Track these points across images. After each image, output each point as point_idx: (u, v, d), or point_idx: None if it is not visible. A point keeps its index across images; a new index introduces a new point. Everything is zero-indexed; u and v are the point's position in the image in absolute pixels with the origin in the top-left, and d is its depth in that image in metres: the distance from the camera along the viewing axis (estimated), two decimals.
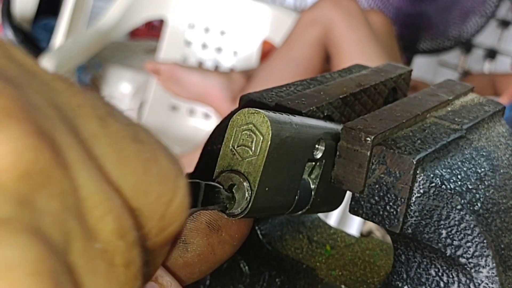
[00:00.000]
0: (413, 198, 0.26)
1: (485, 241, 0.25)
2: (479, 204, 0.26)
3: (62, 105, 0.16)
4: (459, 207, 0.25)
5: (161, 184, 0.18)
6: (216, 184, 0.23)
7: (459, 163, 0.27)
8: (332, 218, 1.34)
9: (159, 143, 0.19)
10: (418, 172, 0.25)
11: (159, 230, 0.18)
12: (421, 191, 0.26)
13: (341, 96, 0.30)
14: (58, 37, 1.90)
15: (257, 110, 0.23)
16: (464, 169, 0.27)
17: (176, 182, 0.19)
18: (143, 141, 0.18)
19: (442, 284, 0.26)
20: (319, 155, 0.26)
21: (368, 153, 0.25)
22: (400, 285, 0.27)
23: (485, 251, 0.25)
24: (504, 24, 2.42)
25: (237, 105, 0.29)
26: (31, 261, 0.14)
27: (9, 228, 0.14)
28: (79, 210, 0.16)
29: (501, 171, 0.29)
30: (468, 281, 0.26)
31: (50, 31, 2.08)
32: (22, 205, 0.14)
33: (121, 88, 2.03)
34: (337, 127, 0.27)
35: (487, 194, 0.27)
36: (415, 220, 0.26)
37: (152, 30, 2.67)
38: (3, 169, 0.14)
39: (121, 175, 0.17)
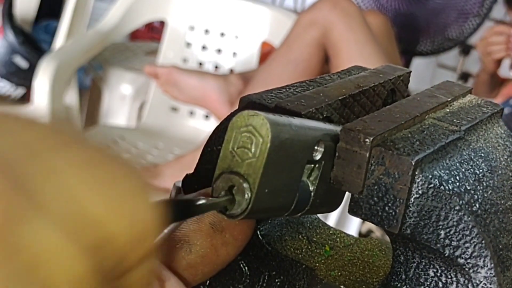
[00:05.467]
0: (412, 199, 0.26)
1: (483, 241, 0.26)
2: (477, 205, 0.26)
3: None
4: (457, 208, 0.26)
5: (123, 205, 0.17)
6: (191, 198, 0.22)
7: (457, 164, 0.27)
8: (331, 218, 1.34)
9: (118, 162, 0.18)
10: (416, 173, 0.26)
11: (130, 250, 0.18)
12: (420, 192, 0.26)
13: (340, 98, 0.31)
14: (59, 39, 1.90)
15: (256, 112, 0.23)
16: (463, 170, 0.27)
17: (137, 200, 0.18)
18: (100, 164, 0.17)
19: (440, 285, 0.27)
20: (318, 156, 0.26)
21: (367, 154, 0.26)
22: (399, 285, 0.28)
23: (483, 252, 0.26)
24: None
25: (234, 108, 0.29)
26: None
27: None
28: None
29: (499, 172, 0.29)
30: (466, 282, 0.26)
31: (51, 33, 2.08)
32: None
33: (122, 89, 2.03)
34: (336, 128, 0.27)
35: (485, 195, 0.27)
36: (413, 221, 0.26)
37: (153, 31, 2.68)
38: None
39: (94, 211, 0.17)
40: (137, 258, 0.18)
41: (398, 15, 2.31)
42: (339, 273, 0.30)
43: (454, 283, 0.26)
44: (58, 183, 0.16)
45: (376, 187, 0.26)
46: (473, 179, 0.27)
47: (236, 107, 0.29)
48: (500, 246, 0.26)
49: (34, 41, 1.99)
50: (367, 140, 0.26)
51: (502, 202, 0.28)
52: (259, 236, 0.31)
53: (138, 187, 0.18)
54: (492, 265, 0.26)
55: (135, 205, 0.18)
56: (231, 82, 1.70)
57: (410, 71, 0.36)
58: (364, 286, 0.30)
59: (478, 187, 0.27)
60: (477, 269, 0.26)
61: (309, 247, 0.32)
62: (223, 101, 1.67)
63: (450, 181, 0.26)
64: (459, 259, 0.26)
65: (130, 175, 0.18)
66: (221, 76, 1.74)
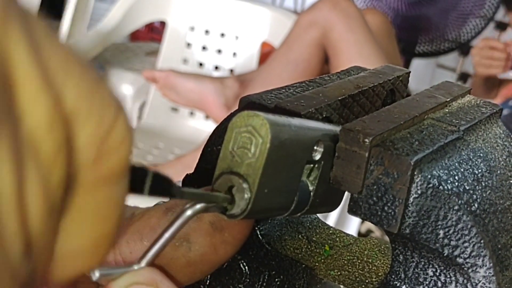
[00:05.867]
0: (411, 199, 0.26)
1: (482, 241, 0.26)
2: (476, 205, 0.26)
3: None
4: (456, 207, 0.26)
5: (103, 107, 0.18)
6: (169, 178, 0.22)
7: (456, 164, 0.28)
8: (331, 218, 1.34)
9: (102, 76, 0.18)
10: (415, 173, 0.26)
11: (95, 157, 0.18)
12: (419, 191, 0.26)
13: (339, 98, 0.31)
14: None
15: (256, 113, 0.23)
16: (461, 170, 0.27)
17: (117, 110, 0.18)
18: (88, 65, 0.18)
19: (439, 284, 0.27)
20: (317, 156, 0.26)
21: (366, 154, 0.26)
22: (398, 284, 0.28)
23: (482, 251, 0.26)
24: (502, 26, 2.42)
25: (230, 111, 0.29)
26: None
27: None
28: (9, 82, 0.15)
29: (498, 172, 0.29)
30: (465, 281, 0.26)
31: None
32: None
33: (122, 90, 2.03)
34: (336, 128, 0.27)
35: (484, 195, 0.27)
36: (412, 221, 0.26)
37: (153, 32, 2.68)
38: None
39: (64, 81, 0.16)
40: (102, 171, 0.18)
41: (398, 16, 2.31)
42: (339, 273, 0.31)
43: (453, 282, 0.26)
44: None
45: (375, 187, 0.26)
46: (472, 179, 0.27)
47: (233, 110, 0.29)
48: (499, 246, 0.26)
49: None
50: (366, 140, 0.26)
51: (501, 202, 0.28)
52: (259, 235, 0.31)
53: (118, 100, 0.18)
54: (491, 264, 0.26)
55: (116, 112, 0.18)
56: (227, 85, 1.71)
57: (409, 72, 0.36)
58: (363, 286, 0.30)
59: (477, 187, 0.27)
60: (476, 268, 0.26)
61: (309, 246, 0.32)
62: (219, 104, 1.68)
63: (449, 181, 0.26)
64: (458, 259, 0.26)
65: (112, 90, 0.18)
66: (217, 79, 1.75)
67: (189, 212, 0.23)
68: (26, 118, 0.15)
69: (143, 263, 0.24)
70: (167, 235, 0.23)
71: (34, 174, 0.16)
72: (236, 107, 0.29)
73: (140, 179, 0.20)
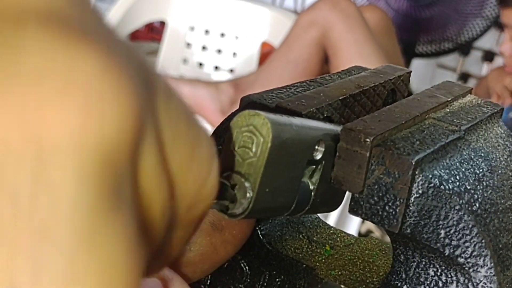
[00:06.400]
0: (412, 199, 0.26)
1: (483, 241, 0.26)
2: (477, 205, 0.26)
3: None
4: (457, 207, 0.26)
5: (201, 164, 0.19)
6: (224, 181, 0.23)
7: (457, 163, 0.27)
8: (332, 218, 1.34)
9: (202, 125, 0.19)
10: (416, 172, 0.26)
11: (189, 207, 0.19)
12: (420, 191, 0.26)
13: (340, 98, 0.31)
14: None
15: (257, 112, 0.23)
16: (463, 169, 0.27)
17: (212, 164, 0.19)
18: (192, 121, 0.18)
19: (440, 284, 0.27)
20: (319, 156, 0.26)
21: (368, 154, 0.26)
22: (399, 284, 0.28)
23: (483, 251, 0.26)
24: (502, 26, 2.42)
25: (225, 116, 0.29)
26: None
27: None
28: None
29: (499, 171, 0.29)
30: (466, 281, 0.26)
31: None
32: None
33: None
34: (337, 128, 0.27)
35: (485, 195, 0.27)
36: (414, 220, 0.26)
37: (153, 32, 2.68)
38: None
39: (172, 151, 0.17)
40: (193, 216, 0.19)
41: (398, 16, 2.31)
42: (340, 273, 0.31)
43: (454, 282, 0.26)
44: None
45: (376, 186, 0.26)
46: (473, 178, 0.27)
47: (228, 114, 0.29)
48: (500, 246, 0.26)
49: None
50: (367, 140, 0.26)
51: (502, 201, 0.28)
52: (260, 235, 0.31)
53: (213, 150, 0.20)
54: (492, 264, 0.26)
55: (210, 166, 0.19)
56: (222, 90, 1.73)
57: (410, 71, 0.36)
58: (364, 286, 0.30)
59: (478, 186, 0.27)
60: (477, 268, 0.26)
61: (310, 246, 0.32)
62: (214, 109, 1.70)
63: (450, 181, 0.26)
64: (459, 259, 0.26)
65: (210, 138, 0.20)
66: (212, 84, 1.77)
67: None
68: (151, 210, 0.17)
69: None
70: None
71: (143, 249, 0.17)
72: (231, 111, 0.29)
73: None
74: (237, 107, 0.29)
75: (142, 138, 0.16)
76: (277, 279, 0.31)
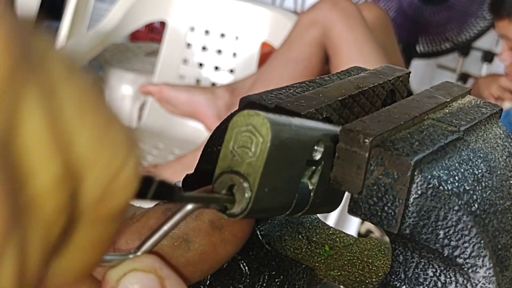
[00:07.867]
0: (411, 199, 0.26)
1: (482, 241, 0.26)
2: (476, 205, 0.26)
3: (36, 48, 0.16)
4: (456, 208, 0.26)
5: (113, 149, 0.18)
6: (173, 185, 0.22)
7: (456, 164, 0.28)
8: (331, 218, 1.34)
9: (117, 112, 0.18)
10: (415, 173, 0.26)
11: (100, 199, 0.18)
12: (419, 192, 0.26)
13: (339, 98, 0.31)
14: (60, 40, 1.90)
15: (256, 112, 0.23)
16: (462, 170, 0.27)
17: (128, 154, 0.18)
18: (103, 103, 0.18)
19: (439, 284, 0.27)
20: (318, 156, 0.26)
21: (367, 155, 0.26)
22: (398, 285, 0.28)
23: (482, 252, 0.26)
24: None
25: (221, 120, 0.30)
26: None
27: None
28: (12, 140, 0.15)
29: (498, 172, 0.29)
30: (465, 281, 0.26)
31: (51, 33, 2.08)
32: None
33: (122, 90, 2.03)
34: (336, 129, 0.27)
35: (484, 195, 0.27)
36: (413, 221, 0.26)
37: (153, 32, 2.68)
38: None
39: (76, 129, 0.17)
40: (104, 213, 0.18)
41: (398, 16, 2.31)
42: (339, 273, 0.31)
43: (453, 282, 0.26)
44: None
45: (375, 187, 0.26)
46: (472, 179, 0.27)
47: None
48: (499, 246, 0.26)
49: None
50: (366, 140, 0.26)
51: (501, 202, 0.28)
52: (259, 236, 0.31)
53: (131, 140, 0.19)
54: (491, 265, 0.26)
55: (127, 154, 0.18)
56: (218, 95, 1.76)
57: (410, 72, 0.36)
58: (363, 286, 0.30)
59: (477, 187, 0.27)
60: (476, 269, 0.26)
61: (309, 247, 0.32)
62: (211, 115, 1.74)
63: (449, 181, 0.26)
64: (458, 259, 0.26)
65: (126, 127, 0.19)
66: (209, 90, 1.80)
67: (189, 207, 0.23)
68: (31, 182, 0.16)
69: (140, 253, 0.24)
70: (165, 227, 0.23)
71: (35, 234, 0.16)
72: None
73: (145, 186, 0.20)
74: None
75: (19, 88, 0.15)
76: (276, 280, 0.31)
